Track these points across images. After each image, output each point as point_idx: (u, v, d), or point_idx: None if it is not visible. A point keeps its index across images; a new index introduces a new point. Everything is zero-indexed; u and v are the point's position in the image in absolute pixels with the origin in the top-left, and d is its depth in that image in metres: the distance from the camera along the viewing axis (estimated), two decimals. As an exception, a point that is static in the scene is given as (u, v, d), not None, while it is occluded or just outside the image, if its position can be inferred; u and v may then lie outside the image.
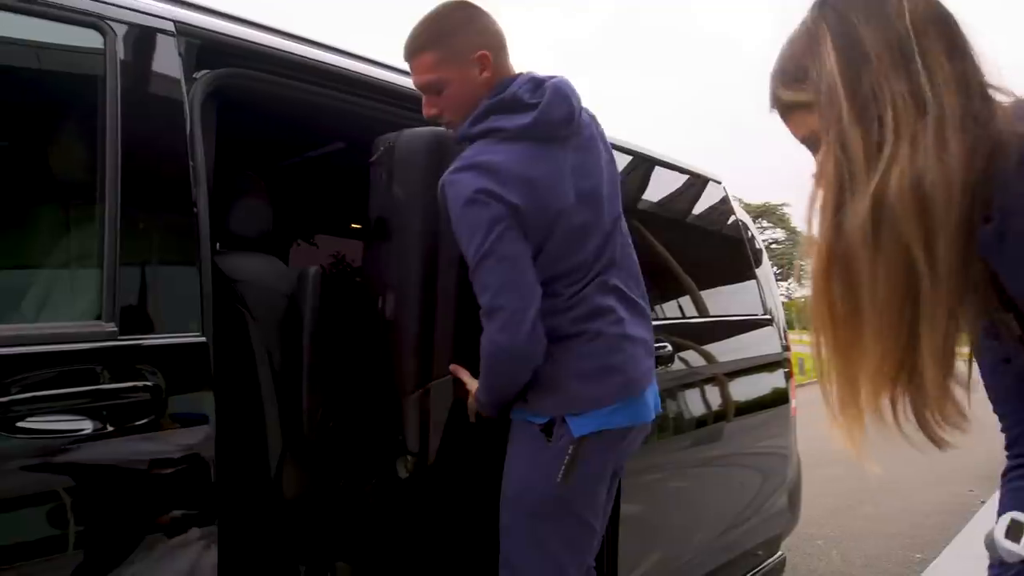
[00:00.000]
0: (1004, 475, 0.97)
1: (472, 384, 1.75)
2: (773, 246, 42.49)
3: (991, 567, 0.95)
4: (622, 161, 1.93)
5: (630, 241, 1.84)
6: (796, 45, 0.94)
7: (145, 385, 1.34)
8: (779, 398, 3.11)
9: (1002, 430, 0.97)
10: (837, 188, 0.85)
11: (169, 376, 1.37)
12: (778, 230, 45.73)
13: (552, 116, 1.64)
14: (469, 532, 2.20)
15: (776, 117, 0.98)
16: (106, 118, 1.38)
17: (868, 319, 0.83)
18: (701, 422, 2.63)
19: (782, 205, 45.07)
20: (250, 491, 1.91)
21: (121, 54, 1.42)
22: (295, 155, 2.80)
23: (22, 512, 1.21)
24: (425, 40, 1.67)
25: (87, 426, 1.27)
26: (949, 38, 0.86)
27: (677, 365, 2.49)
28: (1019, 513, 0.92)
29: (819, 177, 0.87)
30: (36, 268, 1.46)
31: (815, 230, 0.87)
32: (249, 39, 1.73)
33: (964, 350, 0.87)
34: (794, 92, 0.93)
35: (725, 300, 3.11)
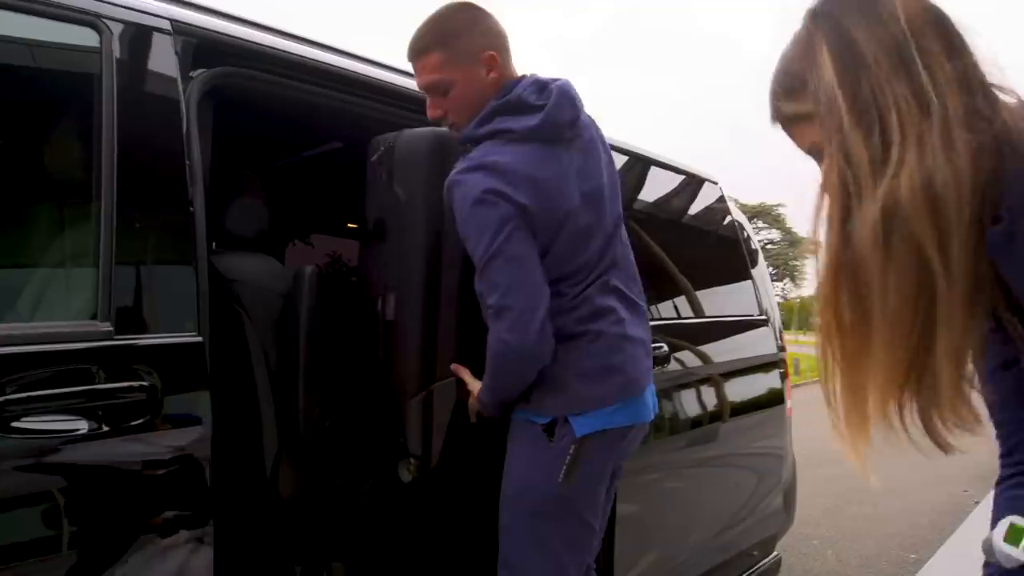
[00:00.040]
0: (999, 483, 0.96)
1: (474, 384, 1.74)
2: (769, 247, 42.54)
3: (986, 565, 0.95)
4: (618, 161, 1.93)
5: (628, 242, 1.85)
6: (792, 56, 0.93)
7: (141, 385, 1.34)
8: (775, 398, 3.11)
9: (998, 437, 0.97)
10: (843, 197, 0.84)
11: (165, 376, 1.37)
12: (774, 231, 45.71)
13: (559, 118, 1.65)
14: (466, 532, 2.20)
15: (780, 129, 0.98)
16: (102, 117, 1.37)
17: (877, 327, 0.83)
18: (697, 423, 2.63)
19: (777, 206, 45.00)
20: (246, 491, 1.91)
21: (117, 52, 1.42)
22: (292, 155, 2.79)
23: (17, 512, 1.20)
24: (431, 40, 1.67)
25: (83, 426, 1.27)
26: (946, 38, 0.86)
27: (673, 366, 2.49)
28: (1018, 517, 0.91)
29: (824, 187, 0.87)
30: (31, 267, 1.45)
31: (822, 240, 0.87)
32: (246, 38, 1.72)
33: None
34: (794, 104, 0.93)
35: (721, 300, 3.11)
